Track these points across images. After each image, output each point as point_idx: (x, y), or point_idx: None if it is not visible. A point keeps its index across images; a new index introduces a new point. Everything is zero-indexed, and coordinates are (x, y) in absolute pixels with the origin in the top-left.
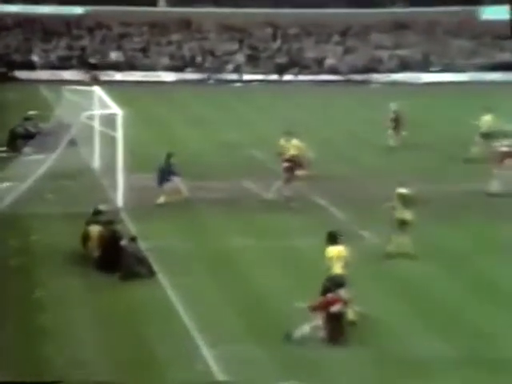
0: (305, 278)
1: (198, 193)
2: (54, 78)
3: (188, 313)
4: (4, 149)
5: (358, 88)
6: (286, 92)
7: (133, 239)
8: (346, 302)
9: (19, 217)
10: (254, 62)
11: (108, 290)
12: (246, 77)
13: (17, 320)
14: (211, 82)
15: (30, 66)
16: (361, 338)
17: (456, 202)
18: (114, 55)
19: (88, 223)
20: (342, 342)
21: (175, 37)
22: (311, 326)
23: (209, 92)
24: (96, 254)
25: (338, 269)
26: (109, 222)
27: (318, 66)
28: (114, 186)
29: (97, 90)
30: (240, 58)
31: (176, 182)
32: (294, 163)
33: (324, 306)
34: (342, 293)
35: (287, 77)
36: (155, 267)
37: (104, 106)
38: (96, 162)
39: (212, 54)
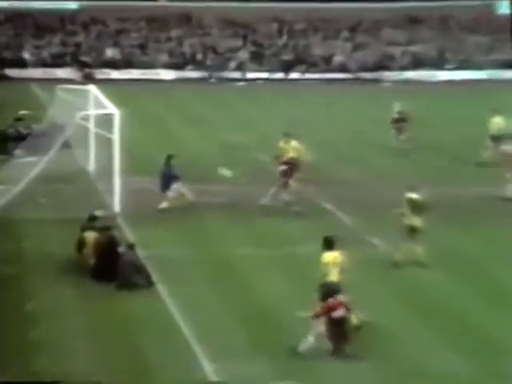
0: (310, 285)
1: (198, 197)
2: (46, 76)
3: (187, 323)
4: None
5: (368, 87)
6: (291, 91)
7: (130, 246)
8: (347, 307)
9: (10, 222)
10: (258, 59)
11: (104, 300)
12: (250, 75)
13: (8, 331)
14: (213, 80)
15: (22, 64)
16: (370, 348)
17: (468, 207)
18: (111, 52)
19: (83, 229)
20: (345, 348)
21: (175, 32)
22: (315, 335)
23: (210, 91)
24: (92, 261)
25: (334, 275)
26: (105, 227)
27: (326, 63)
28: (110, 190)
29: (92, 88)
30: (243, 54)
31: (179, 186)
32: (292, 166)
33: (326, 311)
34: (341, 298)
35: (293, 75)
36: (154, 276)
37: (100, 105)
38: (91, 165)
39: (214, 50)
